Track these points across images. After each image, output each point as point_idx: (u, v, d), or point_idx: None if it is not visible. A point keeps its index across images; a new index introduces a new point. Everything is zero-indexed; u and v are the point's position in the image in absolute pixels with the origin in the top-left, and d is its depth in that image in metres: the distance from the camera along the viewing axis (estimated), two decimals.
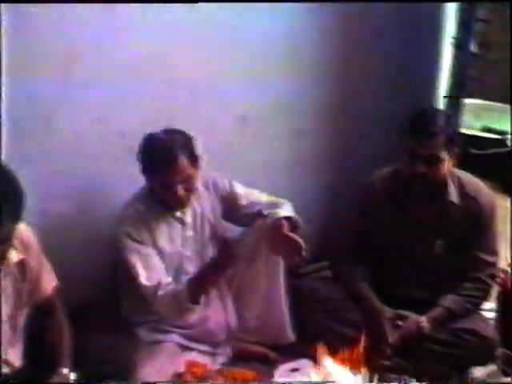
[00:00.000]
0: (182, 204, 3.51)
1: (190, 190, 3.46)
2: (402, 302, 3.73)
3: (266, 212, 3.68)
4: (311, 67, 4.24)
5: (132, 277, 3.45)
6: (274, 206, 3.70)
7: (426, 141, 3.51)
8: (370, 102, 4.51)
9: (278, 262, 3.72)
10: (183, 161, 3.36)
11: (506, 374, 3.75)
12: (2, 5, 3.17)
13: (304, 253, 3.47)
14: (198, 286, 3.47)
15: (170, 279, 3.50)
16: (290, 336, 3.83)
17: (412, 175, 3.59)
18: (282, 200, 3.75)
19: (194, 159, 3.43)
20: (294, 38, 4.13)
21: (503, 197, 5.97)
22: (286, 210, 3.67)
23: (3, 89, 3.22)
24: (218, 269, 3.47)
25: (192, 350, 3.69)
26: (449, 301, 3.71)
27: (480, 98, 7.14)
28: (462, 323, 3.70)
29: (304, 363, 3.57)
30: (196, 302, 3.47)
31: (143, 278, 3.43)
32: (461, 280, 3.74)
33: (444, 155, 3.55)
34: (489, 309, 4.08)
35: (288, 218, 3.63)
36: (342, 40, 4.26)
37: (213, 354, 3.73)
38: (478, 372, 3.82)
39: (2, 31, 3.16)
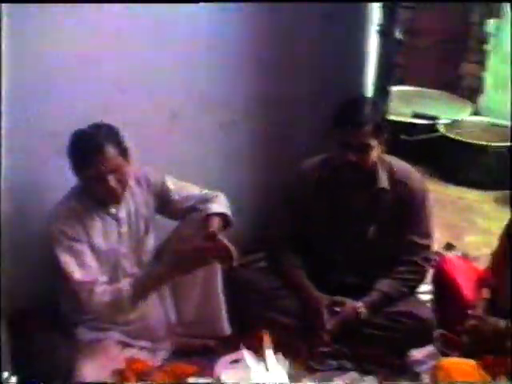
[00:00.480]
0: (114, 197, 3.47)
1: (121, 181, 3.43)
2: (339, 289, 3.78)
3: (199, 207, 3.68)
4: (237, 59, 4.24)
5: (66, 274, 3.41)
6: (207, 200, 3.69)
7: (355, 130, 3.55)
8: (299, 91, 4.52)
9: None
10: (109, 149, 3.33)
11: (445, 355, 3.81)
12: None
13: (234, 258, 3.47)
14: (143, 289, 3.46)
15: (105, 278, 3.48)
16: (227, 328, 3.84)
17: (342, 163, 3.62)
18: (215, 193, 3.74)
19: (121, 150, 3.41)
20: (219, 32, 4.13)
21: (436, 181, 6.11)
22: (219, 204, 3.67)
23: None
24: (166, 277, 3.50)
25: (132, 346, 3.67)
26: (384, 285, 3.77)
27: (410, 85, 7.26)
28: (399, 306, 3.76)
29: (244, 354, 3.60)
30: (137, 303, 3.46)
31: (78, 274, 3.40)
32: (396, 264, 3.79)
33: (373, 143, 3.59)
34: (425, 291, 4.15)
35: (220, 214, 3.64)
36: (265, 30, 4.26)
37: (153, 350, 3.72)
38: (417, 354, 3.90)
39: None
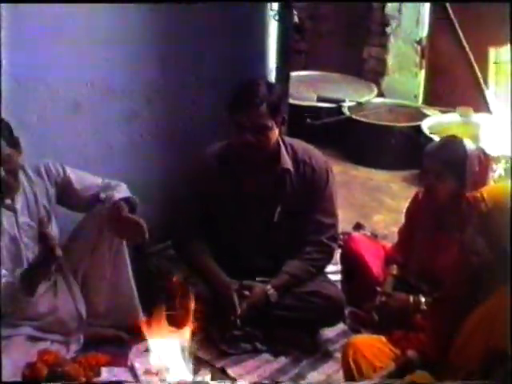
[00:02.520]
0: (6, 188, 3.44)
1: (11, 172, 3.40)
2: (248, 273, 3.80)
3: (102, 196, 3.66)
4: (138, 51, 4.23)
5: None
6: (109, 188, 3.68)
7: (249, 111, 3.58)
8: (200, 80, 4.52)
9: (122, 245, 3.71)
10: None
11: (356, 332, 3.87)
12: None
13: (146, 232, 3.47)
14: (30, 278, 3.38)
15: (4, 271, 3.43)
16: (140, 316, 3.83)
17: (241, 146, 3.65)
18: (116, 182, 3.73)
19: (10, 140, 3.37)
20: (118, 26, 4.10)
21: (344, 163, 6.19)
22: (122, 192, 3.66)
23: None
24: (42, 263, 3.40)
25: (45, 340, 3.64)
26: (292, 267, 3.80)
27: (315, 70, 7.33)
28: (308, 287, 3.80)
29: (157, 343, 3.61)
30: (30, 294, 3.41)
31: None
32: (303, 245, 3.83)
33: (270, 123, 3.61)
34: (334, 271, 4.21)
35: (125, 200, 3.63)
36: (164, 21, 4.25)
37: (66, 343, 3.68)
38: (329, 333, 3.95)
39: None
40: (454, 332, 2.99)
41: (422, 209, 3.88)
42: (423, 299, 3.73)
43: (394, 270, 3.94)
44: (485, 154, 3.82)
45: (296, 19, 5.03)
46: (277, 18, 4.69)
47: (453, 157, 3.64)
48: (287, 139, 3.85)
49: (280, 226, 3.81)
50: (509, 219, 2.75)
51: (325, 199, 3.85)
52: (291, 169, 3.77)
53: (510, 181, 4.11)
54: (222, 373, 3.62)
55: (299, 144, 3.89)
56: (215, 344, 3.76)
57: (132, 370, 3.53)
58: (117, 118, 4.24)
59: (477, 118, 6.35)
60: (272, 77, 4.81)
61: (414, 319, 3.71)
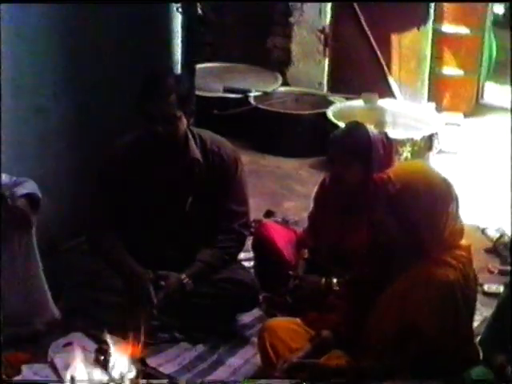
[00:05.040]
0: None
1: None
2: (162, 263, 3.83)
3: (6, 193, 3.64)
4: (44, 46, 4.21)
5: None
6: (14, 185, 3.67)
7: (158, 101, 3.62)
8: (107, 74, 4.52)
9: (31, 242, 3.71)
10: None
11: (272, 316, 3.94)
12: None
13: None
14: None
15: None
16: (55, 312, 3.83)
17: (150, 136, 3.69)
18: (24, 179, 3.71)
19: None
20: (26, 21, 4.07)
21: (253, 153, 6.25)
22: (27, 188, 3.66)
23: None
24: None
25: None
26: (206, 255, 3.85)
27: (221, 62, 7.35)
28: (222, 274, 3.86)
29: (76, 336, 3.62)
30: None
31: None
32: (215, 233, 3.89)
33: (178, 113, 3.65)
34: (246, 258, 4.28)
35: (27, 195, 3.61)
36: (72, 16, 4.24)
37: None
38: (245, 318, 4.02)
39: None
40: (367, 311, 3.09)
41: (329, 194, 3.97)
42: (335, 280, 3.83)
43: (305, 253, 4.03)
44: (388, 138, 3.93)
45: (200, 11, 5.05)
46: (180, 10, 4.72)
47: (356, 142, 3.75)
48: (196, 130, 3.89)
49: (192, 215, 3.86)
50: (417, 198, 2.86)
51: (235, 188, 3.91)
52: (200, 159, 3.81)
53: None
54: (141, 363, 3.64)
55: (207, 134, 3.93)
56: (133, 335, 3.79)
57: (52, 365, 3.53)
58: (25, 113, 4.21)
59: (381, 103, 6.51)
60: (179, 69, 4.83)
61: (327, 300, 3.80)
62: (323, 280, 3.86)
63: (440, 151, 6.37)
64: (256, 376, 3.53)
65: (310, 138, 6.17)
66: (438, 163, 5.82)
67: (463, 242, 3.03)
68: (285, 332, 3.33)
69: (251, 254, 4.27)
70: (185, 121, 3.70)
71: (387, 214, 2.94)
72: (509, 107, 7.17)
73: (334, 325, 3.24)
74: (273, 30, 7.30)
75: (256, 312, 4.04)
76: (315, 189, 4.14)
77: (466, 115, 7.35)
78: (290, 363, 3.12)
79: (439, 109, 6.99)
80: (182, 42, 4.78)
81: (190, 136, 3.80)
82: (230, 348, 3.85)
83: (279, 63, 7.25)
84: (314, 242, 4.02)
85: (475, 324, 3.40)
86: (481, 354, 3.17)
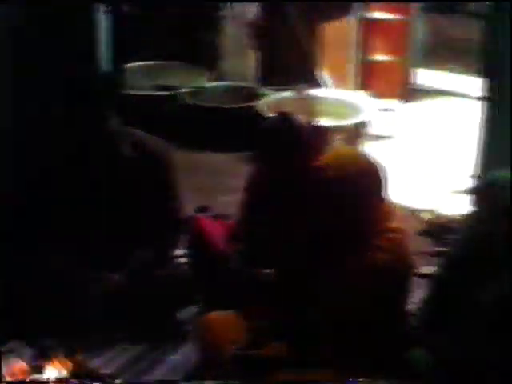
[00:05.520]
0: None
1: None
2: (98, 263, 3.80)
3: None
4: None
5: None
6: None
7: (86, 102, 3.63)
8: (30, 76, 4.45)
9: None
10: None
11: (210, 310, 3.89)
12: None
13: None
14: None
15: None
16: None
17: (78, 138, 3.67)
18: None
19: None
20: None
21: (185, 149, 6.22)
22: None
23: None
24: None
25: None
26: (141, 253, 3.85)
27: (149, 59, 7.32)
28: (157, 271, 3.88)
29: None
30: None
31: None
32: (150, 231, 3.87)
33: (107, 113, 3.64)
34: (180, 254, 4.26)
35: None
36: None
37: None
38: (184, 315, 4.01)
39: None
40: (304, 300, 3.09)
41: (260, 185, 3.96)
42: (269, 271, 3.82)
43: (238, 246, 4.02)
44: (319, 127, 3.94)
45: (126, 10, 5.01)
46: (105, 9, 4.67)
47: (286, 133, 3.74)
48: (126, 129, 3.86)
49: (125, 213, 3.83)
50: (349, 182, 2.87)
51: (167, 185, 3.92)
52: (132, 156, 3.80)
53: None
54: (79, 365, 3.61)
55: (138, 132, 3.93)
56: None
57: None
58: None
59: (312, 93, 6.51)
60: (107, 68, 4.78)
61: (263, 291, 3.79)
62: (258, 272, 3.85)
63: (375, 137, 6.42)
64: (196, 372, 3.51)
65: (242, 132, 6.13)
66: (373, 149, 5.86)
67: (397, 224, 3.04)
68: (223, 325, 3.33)
69: (186, 251, 4.25)
70: (115, 120, 3.67)
71: (321, 201, 2.95)
72: (441, 90, 7.32)
73: (272, 315, 3.23)
74: (202, 24, 7.29)
75: (193, 308, 4.03)
76: (246, 181, 4.13)
77: (399, 100, 7.42)
78: (231, 354, 3.11)
79: (371, 95, 7.03)
80: (110, 41, 4.73)
81: (121, 135, 3.78)
82: (169, 345, 3.84)
83: (209, 58, 7.25)
84: (248, 234, 4.01)
85: (412, 306, 3.42)
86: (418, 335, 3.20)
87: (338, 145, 5.79)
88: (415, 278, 3.69)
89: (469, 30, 7.57)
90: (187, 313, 4.01)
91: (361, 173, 2.93)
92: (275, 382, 3.03)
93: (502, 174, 3.23)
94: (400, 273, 3.00)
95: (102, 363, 3.66)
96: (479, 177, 3.57)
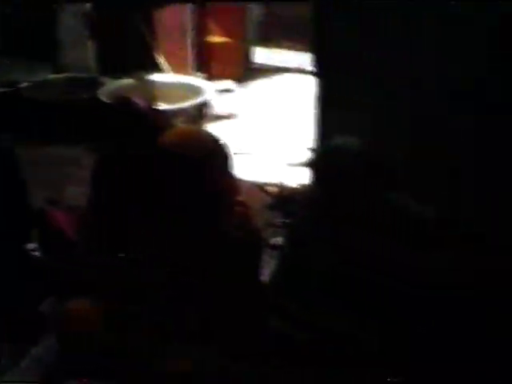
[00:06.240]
0: None
1: None
2: None
3: None
4: None
5: None
6: None
7: None
8: None
9: None
10: None
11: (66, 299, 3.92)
12: None
13: None
14: None
15: None
16: None
17: None
18: None
19: None
20: None
21: (30, 144, 6.13)
22: None
23: None
24: None
25: None
26: None
27: None
28: None
29: None
30: None
31: None
32: None
33: None
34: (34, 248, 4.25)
35: None
36: None
37: None
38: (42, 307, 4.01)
39: None
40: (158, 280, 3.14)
41: (108, 173, 3.99)
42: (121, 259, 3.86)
43: (91, 236, 4.03)
44: (159, 110, 4.00)
45: None
46: None
47: (127, 117, 3.78)
48: None
49: None
50: (198, 158, 2.94)
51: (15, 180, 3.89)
52: None
53: None
54: None
55: None
56: None
57: None
58: None
59: (151, 78, 6.56)
60: None
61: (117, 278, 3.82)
62: (110, 260, 3.87)
63: (216, 117, 6.53)
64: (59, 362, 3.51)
65: (85, 122, 6.12)
66: (216, 128, 5.96)
67: (243, 198, 3.14)
68: (81, 314, 3.34)
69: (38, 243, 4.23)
70: None
71: (168, 181, 3.00)
72: (278, 67, 7.51)
73: (129, 301, 3.28)
74: (40, 18, 7.18)
75: (51, 299, 4.02)
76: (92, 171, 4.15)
77: (238, 80, 7.55)
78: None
79: (211, 77, 7.14)
80: None
81: None
82: (29, 338, 3.81)
83: (45, 50, 7.14)
84: (97, 223, 4.03)
85: (266, 276, 3.53)
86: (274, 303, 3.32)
87: (179, 126, 5.86)
88: (268, 250, 3.86)
89: (300, 8, 7.75)
90: (46, 304, 4.00)
91: (203, 149, 3.00)
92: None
93: (337, 142, 3.40)
94: (250, 245, 3.09)
95: None
96: (316, 149, 3.71)
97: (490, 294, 3.11)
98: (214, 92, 6.54)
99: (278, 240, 4.31)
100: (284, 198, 5.05)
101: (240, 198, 3.15)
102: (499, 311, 3.09)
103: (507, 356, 3.05)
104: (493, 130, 3.12)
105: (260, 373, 3.07)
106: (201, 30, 7.36)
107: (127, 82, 6.49)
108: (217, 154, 3.05)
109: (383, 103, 3.40)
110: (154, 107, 3.99)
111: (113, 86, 6.48)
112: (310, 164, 3.55)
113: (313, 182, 3.76)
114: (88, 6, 6.96)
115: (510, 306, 3.07)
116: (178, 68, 7.03)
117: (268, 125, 6.63)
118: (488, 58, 3.04)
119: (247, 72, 7.84)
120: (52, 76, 6.88)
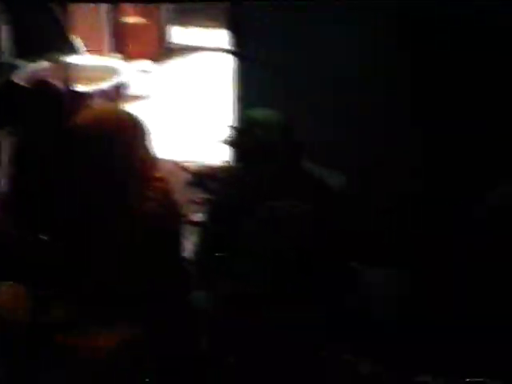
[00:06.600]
0: None
1: None
2: None
3: None
4: None
5: None
6: None
7: None
8: None
9: None
10: None
11: None
12: None
13: None
14: None
15: None
16: None
17: None
18: None
19: None
20: None
21: None
22: None
23: None
24: None
25: None
26: None
27: None
28: None
29: None
30: None
31: None
32: None
33: None
34: None
35: None
36: None
37: None
38: None
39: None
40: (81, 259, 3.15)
41: (26, 155, 3.98)
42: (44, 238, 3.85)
43: (12, 221, 4.01)
44: (76, 91, 4.00)
45: None
46: None
47: (44, 99, 3.78)
48: None
49: None
50: (114, 136, 2.95)
51: None
52: None
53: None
54: None
55: None
56: None
57: None
58: None
59: (67, 60, 6.51)
60: None
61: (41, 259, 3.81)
62: (34, 240, 3.87)
63: (134, 97, 6.54)
64: None
65: (1, 106, 6.05)
66: (134, 108, 5.96)
67: (160, 174, 3.16)
68: (7, 296, 3.31)
69: None
70: None
71: (86, 159, 3.00)
72: (195, 46, 7.53)
73: (54, 282, 3.25)
74: None
75: None
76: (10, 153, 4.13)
77: (155, 60, 7.55)
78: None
79: (128, 58, 7.12)
80: None
81: None
82: None
83: None
84: (20, 204, 4.02)
85: (188, 252, 3.57)
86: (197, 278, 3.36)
87: (96, 106, 5.86)
88: (189, 226, 3.89)
89: None
90: None
91: (119, 126, 3.00)
92: None
93: (254, 113, 3.45)
94: (169, 220, 3.11)
95: None
96: (234, 126, 3.76)
97: None
98: (131, 73, 6.53)
99: (199, 216, 4.36)
100: (203, 175, 5.09)
101: (159, 175, 3.17)
102: None
103: None
104: None
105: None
106: (116, 11, 7.33)
107: (43, 64, 6.43)
108: (132, 130, 3.05)
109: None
110: (71, 89, 4.00)
111: (28, 69, 6.41)
112: (228, 141, 3.57)
113: (232, 160, 3.80)
114: None
115: None
116: (95, 49, 6.99)
117: (186, 103, 6.66)
118: None
119: (164, 52, 7.84)
120: None
